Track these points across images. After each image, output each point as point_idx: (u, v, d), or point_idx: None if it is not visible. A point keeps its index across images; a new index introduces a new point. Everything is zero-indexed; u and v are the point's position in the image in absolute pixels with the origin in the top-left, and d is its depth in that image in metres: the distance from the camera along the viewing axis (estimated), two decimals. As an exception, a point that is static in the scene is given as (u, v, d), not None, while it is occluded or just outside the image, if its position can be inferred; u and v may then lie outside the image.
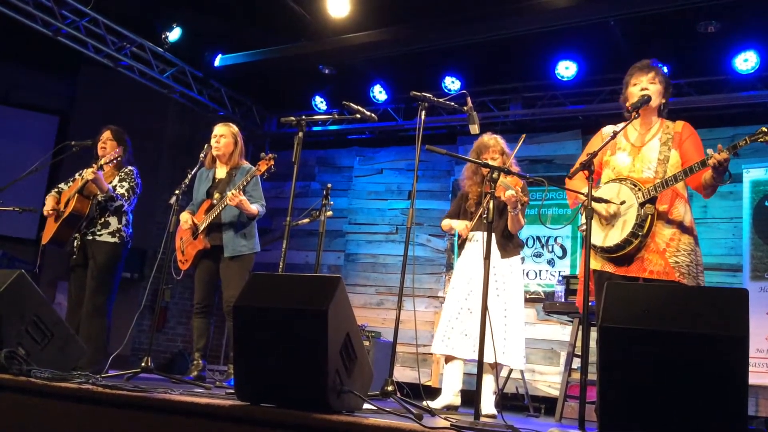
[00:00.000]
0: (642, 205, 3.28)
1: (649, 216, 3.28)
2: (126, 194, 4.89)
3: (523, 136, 4.41)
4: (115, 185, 4.89)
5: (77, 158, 5.30)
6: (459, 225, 4.42)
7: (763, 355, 5.74)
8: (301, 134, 4.11)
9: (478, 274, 3.94)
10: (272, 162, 4.51)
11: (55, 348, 3.57)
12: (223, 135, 4.88)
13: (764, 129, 3.01)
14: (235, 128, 4.98)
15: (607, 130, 3.53)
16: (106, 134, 5.04)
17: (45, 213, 4.92)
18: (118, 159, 4.92)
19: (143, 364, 4.02)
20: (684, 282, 3.23)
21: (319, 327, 2.46)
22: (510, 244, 4.29)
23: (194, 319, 4.84)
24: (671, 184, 3.26)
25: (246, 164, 4.91)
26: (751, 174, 6.26)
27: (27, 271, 3.61)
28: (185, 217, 4.82)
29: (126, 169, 4.99)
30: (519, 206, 4.09)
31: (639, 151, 3.47)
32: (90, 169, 4.70)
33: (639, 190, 3.32)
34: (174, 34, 7.34)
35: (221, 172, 4.90)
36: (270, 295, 2.66)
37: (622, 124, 3.39)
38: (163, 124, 8.85)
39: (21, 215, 5.43)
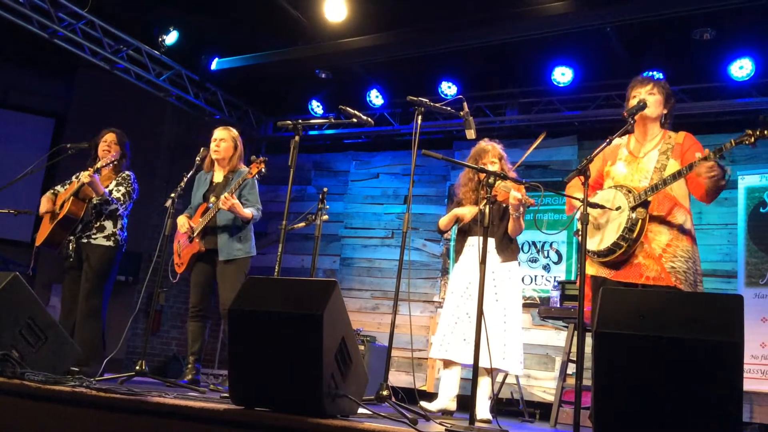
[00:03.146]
0: (633, 209, 3.29)
1: (639, 220, 3.28)
2: (122, 198, 4.89)
3: (544, 132, 4.43)
4: (112, 189, 4.89)
5: (73, 161, 5.29)
6: (463, 210, 4.40)
7: (758, 361, 5.75)
8: (297, 138, 4.11)
9: (476, 279, 3.94)
10: (263, 165, 4.50)
11: (49, 351, 3.56)
12: (224, 139, 4.88)
13: (749, 131, 3.03)
14: (235, 132, 4.98)
15: (614, 142, 3.55)
16: (111, 137, 5.04)
17: (40, 214, 4.91)
18: (115, 162, 4.92)
19: (138, 368, 4.01)
20: (681, 288, 3.23)
21: (314, 331, 2.46)
22: (509, 249, 4.30)
23: (189, 323, 4.83)
24: (661, 187, 3.27)
25: (244, 168, 4.91)
26: (747, 181, 6.28)
27: (21, 273, 3.60)
28: (182, 220, 4.82)
29: (123, 174, 5.00)
30: (521, 209, 4.11)
31: (638, 162, 3.48)
32: (86, 172, 4.70)
33: (631, 194, 3.33)
34: (171, 38, 7.35)
35: (219, 175, 4.90)
36: (265, 299, 2.65)
37: (625, 137, 3.41)
38: (159, 127, 8.84)
39: (16, 217, 5.41)
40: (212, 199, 4.76)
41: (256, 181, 4.81)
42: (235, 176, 4.81)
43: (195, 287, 4.82)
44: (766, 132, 3.01)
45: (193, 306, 4.82)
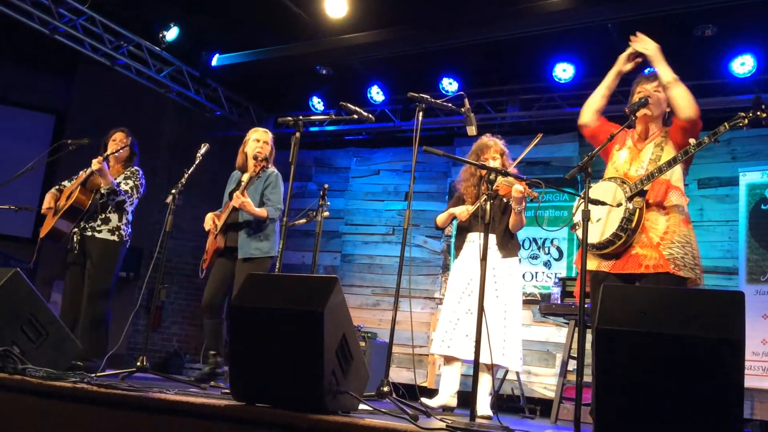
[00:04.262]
0: (630, 198, 3.29)
1: (637, 210, 3.27)
2: (129, 191, 4.91)
3: (539, 135, 4.44)
4: (120, 182, 4.91)
5: (74, 157, 5.30)
6: (459, 209, 4.40)
7: (759, 358, 5.75)
8: (298, 134, 4.11)
9: (477, 275, 3.94)
10: (264, 163, 4.59)
11: (50, 347, 3.56)
12: (266, 141, 4.92)
13: (742, 114, 3.04)
14: (271, 134, 5.04)
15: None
16: (120, 136, 5.08)
17: (43, 211, 4.92)
18: (124, 148, 4.95)
19: (139, 364, 4.01)
20: (680, 274, 3.22)
21: (315, 328, 2.46)
22: (509, 245, 4.30)
23: (204, 320, 4.82)
24: (657, 175, 3.27)
25: (272, 168, 4.91)
26: (748, 177, 6.27)
27: (22, 269, 3.61)
28: (208, 216, 4.88)
29: (132, 168, 5.05)
30: (524, 203, 4.11)
31: (637, 154, 3.48)
32: (96, 160, 4.71)
33: (626, 185, 3.33)
34: (171, 34, 7.34)
35: (247, 175, 4.92)
36: (266, 296, 2.65)
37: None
38: (160, 123, 8.84)
39: (17, 213, 5.42)
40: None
41: (280, 181, 4.84)
42: (262, 176, 4.81)
43: (211, 281, 4.80)
44: (758, 113, 3.01)
45: (204, 302, 4.80)
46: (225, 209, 4.84)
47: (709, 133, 3.10)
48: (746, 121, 3.02)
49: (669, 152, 3.37)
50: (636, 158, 3.46)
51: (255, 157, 4.67)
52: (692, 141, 3.15)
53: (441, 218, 4.52)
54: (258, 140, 4.91)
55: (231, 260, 4.77)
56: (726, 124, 3.06)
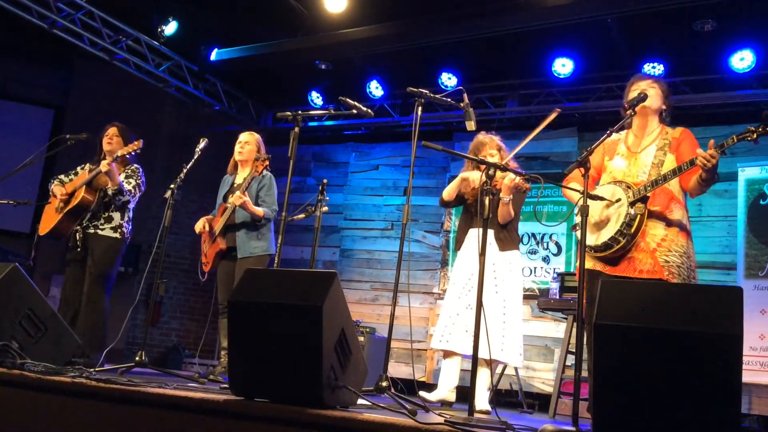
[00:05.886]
0: (632, 204, 3.29)
1: (638, 216, 3.27)
2: (132, 191, 4.93)
3: (557, 110, 4.37)
4: (122, 181, 4.91)
5: (72, 152, 5.29)
6: (475, 174, 4.29)
7: (757, 353, 5.76)
8: (297, 129, 4.10)
9: (477, 270, 3.94)
10: (267, 162, 4.64)
11: (48, 341, 3.57)
12: (248, 142, 4.96)
13: (752, 128, 3.02)
14: (258, 136, 5.06)
15: (613, 137, 3.54)
16: (113, 130, 5.07)
17: (58, 195, 4.90)
18: (134, 153, 4.94)
19: (137, 358, 4.02)
20: (673, 281, 3.23)
21: (314, 323, 2.46)
22: (509, 238, 4.29)
23: (220, 320, 4.87)
24: (660, 183, 3.27)
25: (265, 171, 4.92)
26: (747, 173, 6.27)
27: (20, 264, 3.60)
28: (200, 221, 4.91)
29: (132, 167, 5.04)
30: (511, 195, 4.11)
31: (635, 157, 3.47)
32: (105, 161, 4.72)
33: (630, 189, 3.33)
34: (170, 28, 7.33)
35: (240, 177, 4.96)
36: (265, 291, 2.65)
37: (623, 132, 3.40)
38: (158, 118, 8.82)
39: (15, 208, 5.41)
40: (230, 198, 4.81)
41: (274, 183, 4.92)
42: (256, 178, 4.84)
43: (220, 284, 4.89)
44: (767, 128, 3.01)
45: (220, 303, 4.87)
46: (220, 212, 4.88)
47: (716, 144, 3.09)
48: (755, 135, 3.01)
49: (670, 160, 3.37)
50: (635, 162, 3.45)
51: (259, 158, 4.71)
52: (700, 150, 3.14)
53: (449, 189, 4.48)
54: (240, 142, 4.98)
55: (232, 260, 4.82)
56: (734, 137, 3.05)
